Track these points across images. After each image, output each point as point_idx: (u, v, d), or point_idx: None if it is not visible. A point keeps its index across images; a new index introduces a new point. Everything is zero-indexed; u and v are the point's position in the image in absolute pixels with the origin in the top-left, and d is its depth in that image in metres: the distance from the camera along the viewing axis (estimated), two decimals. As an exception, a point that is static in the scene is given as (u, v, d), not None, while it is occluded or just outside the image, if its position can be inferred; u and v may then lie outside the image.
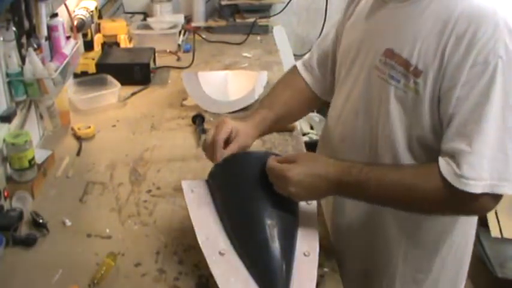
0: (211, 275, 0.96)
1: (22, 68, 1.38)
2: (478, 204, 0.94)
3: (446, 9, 0.94)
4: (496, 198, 0.93)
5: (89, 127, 1.62)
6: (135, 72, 1.97)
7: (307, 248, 1.03)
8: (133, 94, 1.91)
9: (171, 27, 2.42)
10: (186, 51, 2.34)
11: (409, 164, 1.04)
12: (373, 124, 1.07)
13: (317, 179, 1.00)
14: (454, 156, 0.93)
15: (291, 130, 1.64)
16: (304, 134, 2.39)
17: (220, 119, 1.19)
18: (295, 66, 1.37)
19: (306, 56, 1.36)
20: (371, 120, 1.08)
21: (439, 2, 0.96)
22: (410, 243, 1.13)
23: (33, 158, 1.31)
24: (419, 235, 1.13)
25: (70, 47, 1.66)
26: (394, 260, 1.15)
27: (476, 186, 0.90)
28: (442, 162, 0.94)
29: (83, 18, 1.91)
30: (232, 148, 1.13)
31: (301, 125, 2.24)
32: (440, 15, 0.95)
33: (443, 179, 0.93)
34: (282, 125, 1.39)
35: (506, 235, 2.11)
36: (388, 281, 1.18)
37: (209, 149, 1.15)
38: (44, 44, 1.53)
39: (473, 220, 1.22)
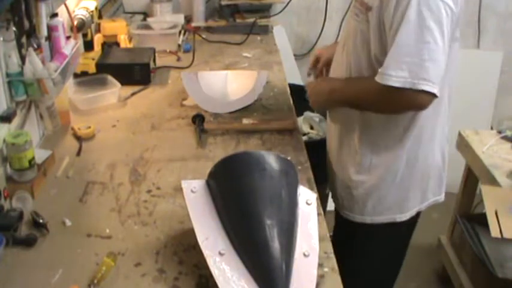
0: (211, 275, 0.96)
1: (22, 68, 1.38)
2: (405, 99, 1.21)
3: None
4: (420, 95, 1.19)
5: (89, 127, 1.62)
6: (135, 72, 1.97)
7: (307, 248, 1.03)
8: (133, 94, 1.91)
9: (171, 27, 2.42)
10: (186, 51, 2.34)
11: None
12: (348, 52, 1.39)
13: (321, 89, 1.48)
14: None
15: (291, 130, 1.64)
16: (304, 134, 2.39)
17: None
18: None
19: None
20: (348, 49, 1.39)
21: None
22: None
23: (33, 158, 1.31)
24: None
25: (70, 47, 1.66)
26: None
27: (395, 81, 1.18)
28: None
29: (83, 18, 1.91)
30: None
31: (301, 125, 2.24)
32: None
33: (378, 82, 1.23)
34: None
35: (506, 235, 2.11)
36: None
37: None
38: (44, 44, 1.53)
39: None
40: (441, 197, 1.54)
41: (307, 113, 2.22)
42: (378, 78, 1.22)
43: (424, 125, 1.38)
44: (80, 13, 1.92)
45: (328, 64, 1.59)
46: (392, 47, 1.21)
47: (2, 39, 1.31)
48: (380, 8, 1.24)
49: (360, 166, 1.44)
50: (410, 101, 1.23)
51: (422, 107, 1.25)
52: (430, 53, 1.18)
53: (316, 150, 1.61)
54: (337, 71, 1.48)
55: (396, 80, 1.19)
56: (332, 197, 1.61)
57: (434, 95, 1.20)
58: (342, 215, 1.54)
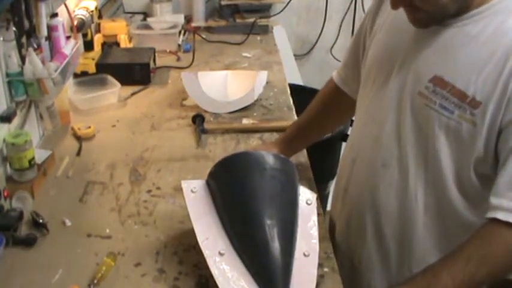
0: (211, 275, 0.96)
1: (22, 68, 1.38)
2: None
3: (504, 37, 0.91)
4: None
5: (89, 127, 1.62)
6: (135, 72, 1.97)
7: (307, 248, 1.03)
8: (133, 94, 1.91)
9: (171, 27, 2.42)
10: (186, 51, 2.34)
11: (462, 245, 0.93)
12: (422, 152, 1.03)
13: None
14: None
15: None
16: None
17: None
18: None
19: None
20: (420, 148, 1.03)
21: (494, 28, 0.92)
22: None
23: (33, 158, 1.31)
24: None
25: (70, 47, 1.66)
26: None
27: None
28: (502, 213, 0.89)
29: (83, 18, 1.91)
30: None
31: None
32: (497, 43, 0.91)
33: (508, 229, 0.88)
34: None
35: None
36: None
37: None
38: (44, 44, 1.53)
39: None
40: None
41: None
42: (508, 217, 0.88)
43: None
44: (80, 13, 1.92)
45: None
46: None
47: (2, 39, 1.31)
48: (501, 104, 0.91)
49: None
50: None
51: None
52: None
53: (317, 150, 1.61)
54: (389, 168, 1.08)
55: None
56: None
57: None
58: None
